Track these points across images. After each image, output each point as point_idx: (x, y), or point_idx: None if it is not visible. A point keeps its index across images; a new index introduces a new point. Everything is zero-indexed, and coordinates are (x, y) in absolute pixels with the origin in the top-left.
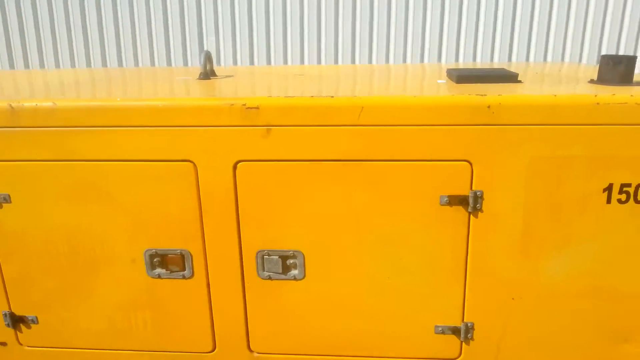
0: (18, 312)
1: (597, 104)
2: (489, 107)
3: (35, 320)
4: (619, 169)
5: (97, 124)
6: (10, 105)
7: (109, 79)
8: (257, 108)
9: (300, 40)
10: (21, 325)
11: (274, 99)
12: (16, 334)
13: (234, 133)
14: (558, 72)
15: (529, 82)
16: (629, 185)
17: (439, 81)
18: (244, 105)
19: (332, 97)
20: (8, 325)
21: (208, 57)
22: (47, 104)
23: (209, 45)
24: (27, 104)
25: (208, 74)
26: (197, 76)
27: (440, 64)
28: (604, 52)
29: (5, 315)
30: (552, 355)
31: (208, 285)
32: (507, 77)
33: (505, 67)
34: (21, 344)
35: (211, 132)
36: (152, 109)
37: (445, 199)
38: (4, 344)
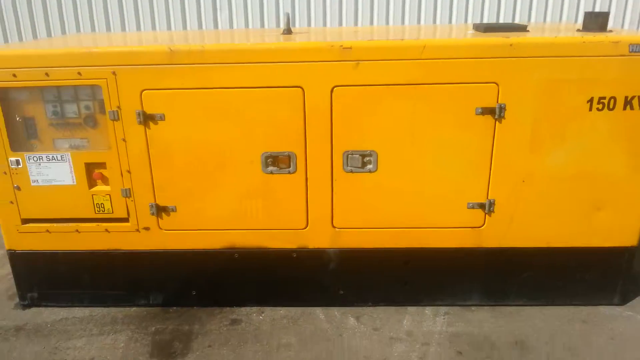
0: (161, 203)
1: (584, 42)
2: (511, 45)
3: (174, 209)
4: (597, 86)
5: (233, 61)
6: (170, 48)
7: (217, 36)
8: (350, 48)
9: (340, 3)
10: (162, 213)
11: (363, 42)
12: (157, 221)
13: (333, 66)
14: (550, 26)
15: (533, 31)
16: (604, 98)
17: (469, 32)
18: (341, 46)
19: (402, 39)
20: (153, 213)
21: (288, 17)
22: (198, 47)
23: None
24: (182, 48)
25: (289, 30)
26: (281, 32)
27: (466, 24)
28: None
29: (151, 206)
30: (548, 221)
31: (306, 178)
32: (519, 27)
33: (512, 24)
34: (161, 228)
35: (316, 66)
36: (273, 50)
37: (480, 110)
38: (147, 228)
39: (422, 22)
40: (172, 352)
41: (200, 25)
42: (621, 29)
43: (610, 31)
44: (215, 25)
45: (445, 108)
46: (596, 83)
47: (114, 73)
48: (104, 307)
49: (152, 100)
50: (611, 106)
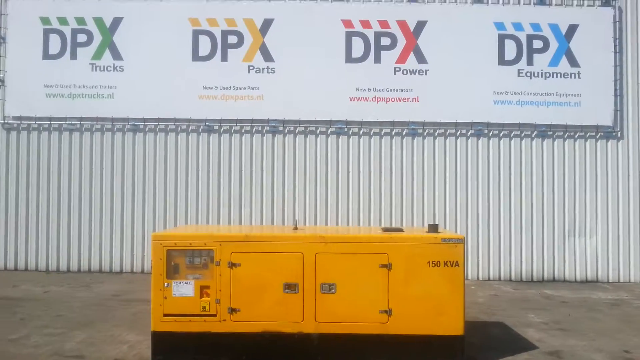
0: (233, 306)
1: (423, 237)
2: (391, 237)
3: (239, 310)
4: (431, 256)
5: (273, 240)
6: (246, 235)
7: (262, 229)
8: (324, 237)
9: (310, 215)
10: (233, 312)
11: (330, 234)
12: (230, 316)
13: (316, 244)
14: (414, 228)
15: (406, 230)
16: (435, 261)
17: (378, 231)
18: (320, 236)
19: (347, 234)
20: (229, 312)
21: (296, 222)
22: (257, 234)
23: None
24: (251, 234)
25: (297, 228)
26: (293, 228)
27: (376, 227)
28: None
29: (229, 308)
30: (419, 319)
31: (303, 296)
32: (398, 229)
33: (397, 227)
34: (232, 320)
35: (308, 244)
36: (290, 237)
37: (381, 265)
38: (224, 320)
39: (362, 224)
40: None
41: (241, 217)
42: (444, 229)
43: (439, 232)
44: (249, 219)
45: (366, 264)
46: (431, 255)
47: (220, 244)
48: None
49: (236, 257)
50: (438, 265)
